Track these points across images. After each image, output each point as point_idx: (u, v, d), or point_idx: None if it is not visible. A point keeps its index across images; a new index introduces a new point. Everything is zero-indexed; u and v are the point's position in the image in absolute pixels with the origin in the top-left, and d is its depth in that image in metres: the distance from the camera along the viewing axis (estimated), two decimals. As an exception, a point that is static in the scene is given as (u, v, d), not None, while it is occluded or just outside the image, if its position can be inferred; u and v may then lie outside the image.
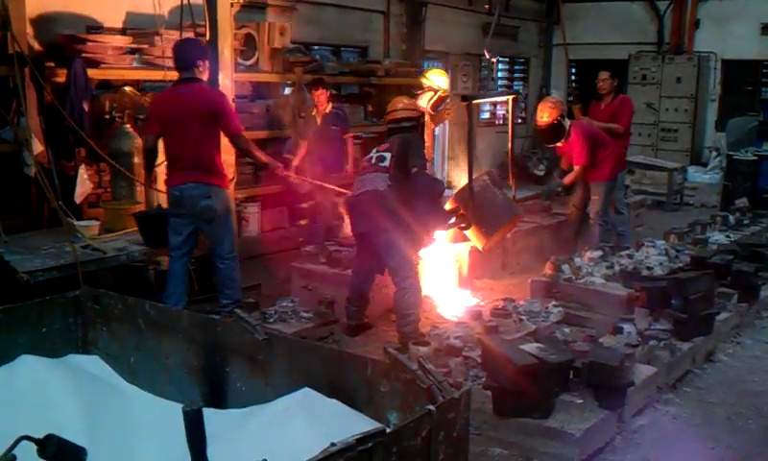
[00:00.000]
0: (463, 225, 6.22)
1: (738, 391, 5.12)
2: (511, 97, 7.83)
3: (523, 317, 5.81)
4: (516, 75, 16.40)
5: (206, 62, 5.74)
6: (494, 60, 7.98)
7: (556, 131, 7.73)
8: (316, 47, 11.10)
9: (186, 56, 5.67)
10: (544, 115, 7.69)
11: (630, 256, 7.04)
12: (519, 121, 16.29)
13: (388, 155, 5.78)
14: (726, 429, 4.57)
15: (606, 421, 4.28)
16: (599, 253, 7.00)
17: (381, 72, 10.64)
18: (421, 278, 5.93)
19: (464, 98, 7.71)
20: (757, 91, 15.91)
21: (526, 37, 15.84)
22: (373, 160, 5.86)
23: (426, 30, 12.67)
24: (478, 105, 13.38)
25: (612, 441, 4.33)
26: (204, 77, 5.74)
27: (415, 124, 6.19)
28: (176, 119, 5.58)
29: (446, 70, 13.78)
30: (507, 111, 8.04)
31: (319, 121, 8.17)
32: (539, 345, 4.35)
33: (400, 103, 6.36)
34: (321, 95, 8.07)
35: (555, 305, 6.12)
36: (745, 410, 4.82)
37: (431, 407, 2.42)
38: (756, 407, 4.86)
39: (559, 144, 7.87)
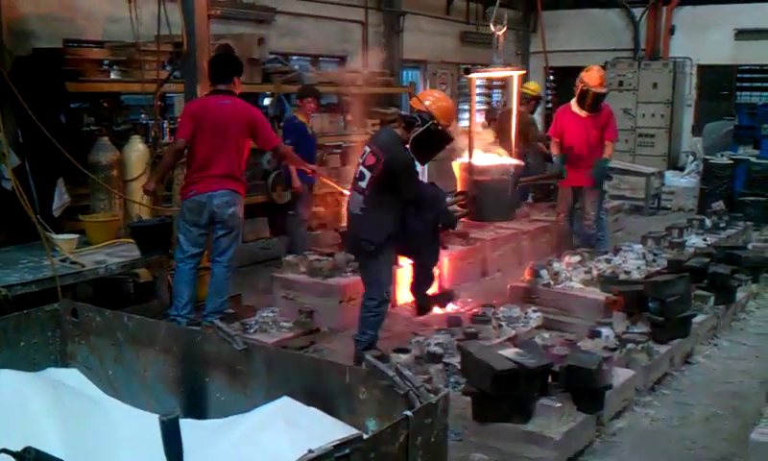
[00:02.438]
0: (465, 210, 6.13)
1: (716, 392, 5.18)
2: (518, 73, 8.02)
3: (503, 323, 5.85)
4: (494, 83, 16.46)
5: (241, 78, 6.08)
6: (501, 32, 8.01)
7: (601, 100, 8.08)
8: (295, 57, 11.13)
9: (225, 69, 5.96)
10: (604, 83, 8.12)
11: (608, 261, 7.11)
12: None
13: (368, 174, 5.23)
14: (704, 431, 4.62)
15: (585, 424, 4.32)
16: (577, 257, 7.06)
17: (360, 81, 10.68)
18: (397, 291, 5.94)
19: (466, 71, 7.94)
20: (732, 96, 16.10)
21: (505, 46, 15.91)
22: (357, 174, 5.37)
23: (404, 39, 12.74)
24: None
25: (592, 444, 4.37)
26: (237, 91, 6.00)
27: (420, 123, 5.23)
28: (214, 127, 5.76)
29: (425, 79, 13.92)
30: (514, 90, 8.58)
31: (309, 130, 8.17)
32: (517, 350, 4.38)
33: (429, 95, 5.51)
34: (310, 104, 8.07)
35: (534, 310, 6.17)
36: (722, 411, 4.88)
37: (408, 413, 2.44)
38: (734, 408, 4.92)
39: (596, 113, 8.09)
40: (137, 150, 7.02)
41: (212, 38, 7.13)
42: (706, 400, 5.03)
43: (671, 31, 15.51)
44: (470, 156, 8.00)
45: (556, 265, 6.79)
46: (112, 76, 7.75)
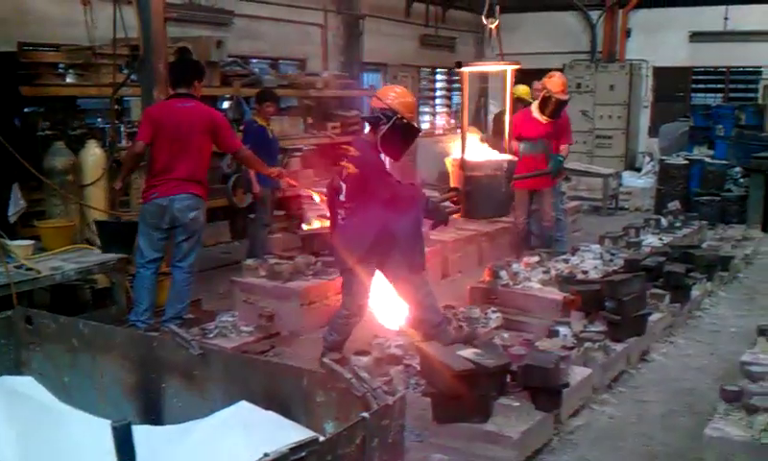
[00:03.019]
0: (456, 205, 6.05)
1: (672, 389, 5.27)
2: (511, 67, 8.05)
3: (463, 323, 5.89)
4: (454, 85, 16.59)
5: (202, 82, 6.11)
6: (494, 25, 8.03)
7: (563, 107, 8.15)
8: (254, 60, 11.09)
9: (186, 73, 5.96)
10: (566, 90, 8.14)
11: (566, 261, 7.19)
12: (459, 130, 16.48)
13: (344, 186, 5.14)
14: (660, 427, 4.70)
15: (543, 422, 4.36)
16: (536, 258, 7.13)
17: (320, 84, 10.68)
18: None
19: (458, 64, 7.93)
20: (688, 97, 16.41)
21: (464, 48, 16.06)
22: (338, 192, 5.20)
23: (364, 42, 12.76)
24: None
25: (550, 442, 4.42)
26: (198, 95, 5.98)
27: (385, 121, 5.15)
28: (175, 131, 5.75)
29: (385, 82, 13.95)
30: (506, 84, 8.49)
31: (270, 134, 8.13)
32: (476, 350, 4.41)
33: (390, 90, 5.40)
34: (269, 108, 8.04)
35: (494, 311, 6.22)
36: (679, 408, 4.97)
37: (365, 414, 2.46)
38: (689, 405, 5.00)
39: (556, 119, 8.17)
40: (94, 154, 6.94)
41: (169, 41, 7.07)
42: (662, 398, 5.11)
43: (627, 33, 15.77)
44: (463, 151, 7.98)
45: (515, 266, 6.85)
46: (68, 79, 7.65)
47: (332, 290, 6.39)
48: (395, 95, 5.24)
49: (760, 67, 14.59)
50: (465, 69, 8.23)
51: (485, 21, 8.20)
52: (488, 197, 8.07)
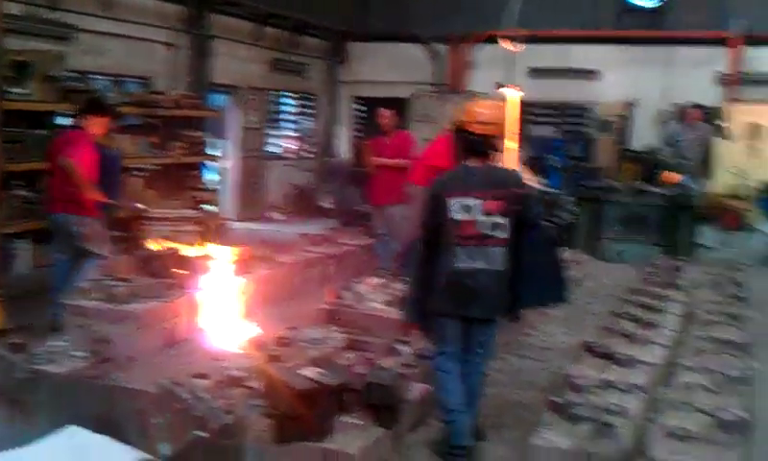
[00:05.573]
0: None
1: (504, 403, 5.52)
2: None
3: (306, 344, 5.92)
4: (306, 111, 16.70)
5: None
6: (516, 48, 8.01)
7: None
8: (98, 77, 10.72)
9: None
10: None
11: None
12: (309, 155, 16.59)
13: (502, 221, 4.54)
14: (493, 439, 4.91)
15: (382, 439, 4.46)
16: (380, 280, 7.29)
17: (167, 103, 10.46)
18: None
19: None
20: (526, 128, 17.24)
21: (313, 74, 16.21)
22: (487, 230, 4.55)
23: (214, 63, 12.62)
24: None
25: (389, 458, 4.53)
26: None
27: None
28: None
29: (235, 104, 13.86)
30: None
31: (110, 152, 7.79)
32: (318, 369, 4.47)
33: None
34: (104, 123, 7.71)
35: (338, 331, 6.29)
36: (510, 420, 5.22)
37: (203, 434, 2.45)
38: (519, 417, 5.27)
39: None
40: None
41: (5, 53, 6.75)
42: (494, 411, 5.33)
43: (470, 66, 16.43)
44: None
45: (359, 287, 6.97)
46: None
47: (171, 313, 6.25)
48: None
49: (589, 103, 15.60)
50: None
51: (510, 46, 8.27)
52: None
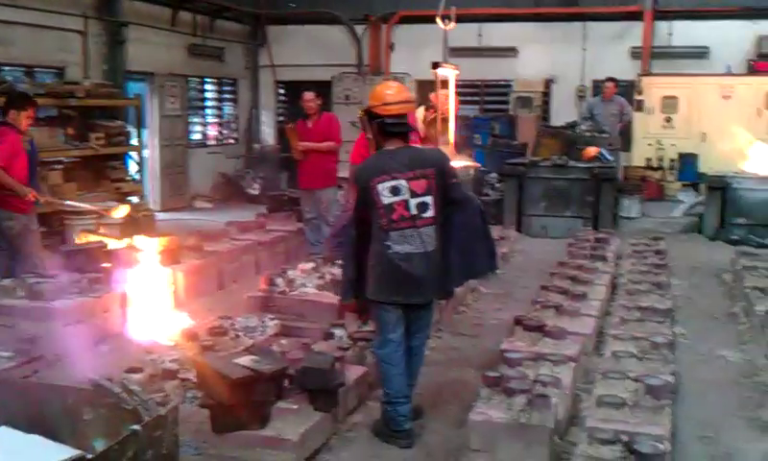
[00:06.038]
0: None
1: (441, 381, 5.58)
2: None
3: (240, 333, 5.86)
4: (225, 96, 16.44)
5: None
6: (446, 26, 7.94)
7: None
8: (7, 68, 10.32)
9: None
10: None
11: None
12: (232, 141, 16.36)
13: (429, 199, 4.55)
14: (432, 417, 4.96)
15: (321, 423, 4.45)
16: (311, 264, 7.25)
17: (81, 93, 10.14)
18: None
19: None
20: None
21: (233, 59, 15.96)
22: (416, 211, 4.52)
23: (129, 50, 12.28)
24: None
25: (329, 441, 4.53)
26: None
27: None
28: None
29: (152, 91, 13.53)
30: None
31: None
32: (252, 357, 4.42)
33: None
34: (30, 115, 7.42)
35: (271, 318, 6.24)
36: (447, 397, 5.28)
37: (136, 427, 2.40)
38: (456, 393, 5.33)
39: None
40: None
41: None
42: (432, 389, 5.38)
43: (391, 47, 16.44)
44: None
45: (291, 273, 6.92)
46: None
47: (99, 308, 6.09)
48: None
49: (510, 81, 15.81)
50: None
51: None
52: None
